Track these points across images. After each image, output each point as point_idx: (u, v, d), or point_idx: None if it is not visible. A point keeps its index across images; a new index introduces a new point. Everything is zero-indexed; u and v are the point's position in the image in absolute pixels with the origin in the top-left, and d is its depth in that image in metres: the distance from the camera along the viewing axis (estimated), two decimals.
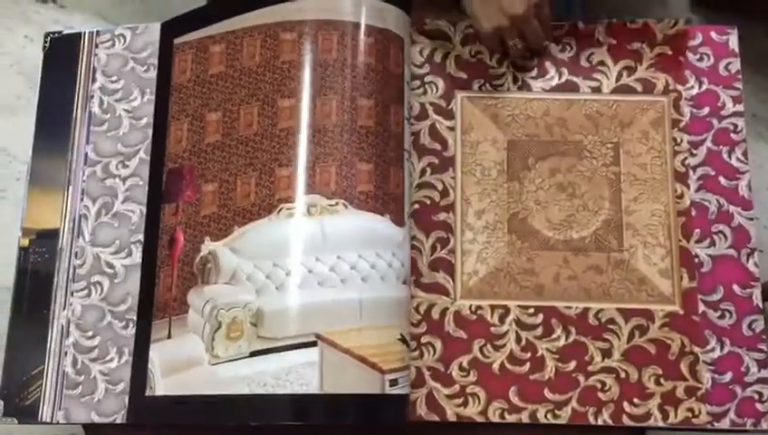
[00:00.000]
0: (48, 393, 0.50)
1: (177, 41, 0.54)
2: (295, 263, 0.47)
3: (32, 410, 0.50)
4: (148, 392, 0.49)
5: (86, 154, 0.54)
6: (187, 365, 0.48)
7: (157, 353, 0.49)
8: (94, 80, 0.56)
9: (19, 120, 0.69)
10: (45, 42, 0.57)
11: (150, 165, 0.53)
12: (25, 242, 0.53)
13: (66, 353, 0.51)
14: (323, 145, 0.48)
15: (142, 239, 0.52)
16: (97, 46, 0.56)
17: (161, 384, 0.48)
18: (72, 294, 0.52)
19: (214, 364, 0.47)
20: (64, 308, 0.52)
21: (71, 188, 0.54)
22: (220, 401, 0.46)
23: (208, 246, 0.49)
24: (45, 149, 0.55)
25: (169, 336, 0.49)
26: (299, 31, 0.50)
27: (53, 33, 0.57)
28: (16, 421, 0.50)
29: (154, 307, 0.50)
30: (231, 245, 0.49)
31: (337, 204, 0.48)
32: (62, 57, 0.56)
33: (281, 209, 0.48)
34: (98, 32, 0.57)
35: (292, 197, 0.48)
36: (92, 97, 0.55)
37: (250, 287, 0.48)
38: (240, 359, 0.47)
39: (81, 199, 0.53)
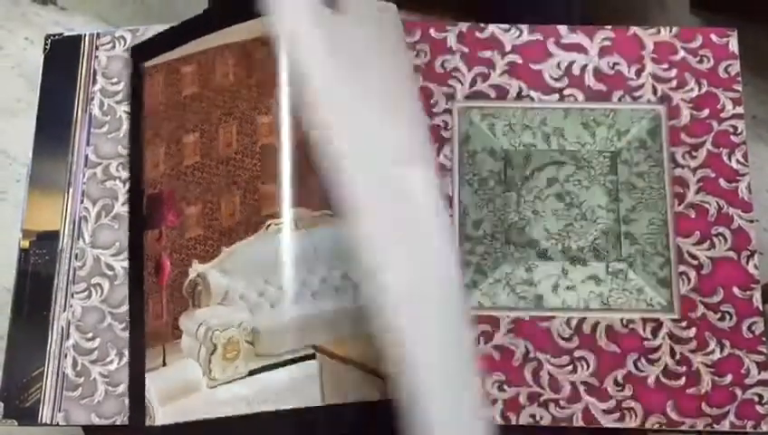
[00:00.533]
0: (48, 395, 0.50)
1: (147, 64, 0.54)
2: (287, 277, 0.46)
3: (32, 411, 0.50)
4: (148, 422, 0.48)
5: (86, 156, 0.54)
6: (185, 391, 0.47)
7: (153, 382, 0.49)
8: (95, 82, 0.56)
9: (19, 122, 0.69)
10: (46, 44, 0.57)
11: (129, 193, 0.53)
12: (26, 244, 0.53)
13: (66, 355, 0.51)
14: (306, 158, 0.48)
15: None
16: (97, 48, 0.56)
17: (160, 413, 0.48)
18: (72, 295, 0.52)
19: (212, 387, 0.47)
20: (64, 310, 0.52)
21: (71, 189, 0.54)
22: (221, 422, 0.46)
23: (196, 268, 0.49)
24: (46, 151, 0.55)
25: (164, 364, 0.49)
26: (273, 44, 0.49)
27: (54, 35, 0.57)
28: (16, 423, 0.50)
29: (146, 336, 0.50)
30: (220, 266, 0.48)
31: (323, 215, 0.48)
32: (62, 59, 0.56)
33: (268, 225, 0.47)
34: (98, 34, 0.57)
35: (278, 212, 0.47)
36: (93, 99, 0.55)
37: (243, 306, 0.47)
38: (239, 379, 0.46)
39: (82, 201, 0.53)
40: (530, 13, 0.57)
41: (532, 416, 0.48)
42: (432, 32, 0.54)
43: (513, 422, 0.48)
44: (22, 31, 0.71)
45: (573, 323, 0.49)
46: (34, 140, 0.55)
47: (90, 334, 0.51)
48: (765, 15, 0.67)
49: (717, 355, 0.49)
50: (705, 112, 0.53)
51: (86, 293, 0.52)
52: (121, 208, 0.53)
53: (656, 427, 0.48)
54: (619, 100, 0.53)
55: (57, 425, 0.50)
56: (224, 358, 0.47)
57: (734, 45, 0.54)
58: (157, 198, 0.51)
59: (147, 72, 0.54)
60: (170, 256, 0.50)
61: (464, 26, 0.54)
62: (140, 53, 0.55)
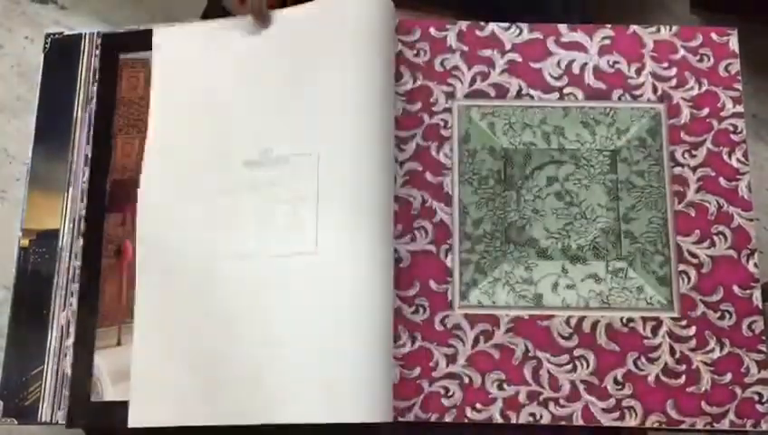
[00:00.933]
0: (47, 394, 0.50)
1: (122, 56, 0.55)
2: None
3: (31, 410, 0.50)
4: (94, 398, 0.49)
5: (86, 155, 0.54)
6: None
7: (105, 360, 0.49)
8: (94, 81, 0.56)
9: (19, 121, 0.69)
10: (46, 43, 0.57)
11: (90, 175, 0.53)
12: (25, 242, 0.53)
13: (66, 354, 0.51)
14: None
15: None
16: (97, 47, 0.56)
17: (111, 391, 0.49)
18: (71, 294, 0.52)
19: None
20: (64, 308, 0.52)
21: (71, 188, 0.54)
22: None
23: None
24: (45, 151, 0.55)
25: (119, 343, 0.50)
26: None
27: (54, 34, 0.57)
28: (16, 422, 0.50)
29: (99, 316, 0.50)
30: None
31: None
32: (62, 58, 0.56)
33: None
34: (98, 33, 0.57)
35: None
36: (92, 98, 0.55)
37: None
38: None
39: (81, 200, 0.53)
40: (529, 12, 0.57)
41: (532, 415, 0.48)
42: (432, 30, 0.54)
43: (513, 421, 0.48)
44: (22, 30, 0.71)
45: (573, 321, 0.49)
46: (34, 139, 0.55)
47: None
48: (765, 15, 0.67)
49: (717, 354, 0.49)
50: (705, 111, 0.53)
51: None
52: None
53: (655, 426, 0.48)
54: (619, 98, 0.53)
55: (57, 424, 0.50)
56: None
57: (734, 44, 0.54)
58: (124, 183, 0.52)
59: (123, 63, 0.55)
60: (133, 241, 0.51)
61: (463, 25, 0.54)
62: (113, 41, 0.56)
